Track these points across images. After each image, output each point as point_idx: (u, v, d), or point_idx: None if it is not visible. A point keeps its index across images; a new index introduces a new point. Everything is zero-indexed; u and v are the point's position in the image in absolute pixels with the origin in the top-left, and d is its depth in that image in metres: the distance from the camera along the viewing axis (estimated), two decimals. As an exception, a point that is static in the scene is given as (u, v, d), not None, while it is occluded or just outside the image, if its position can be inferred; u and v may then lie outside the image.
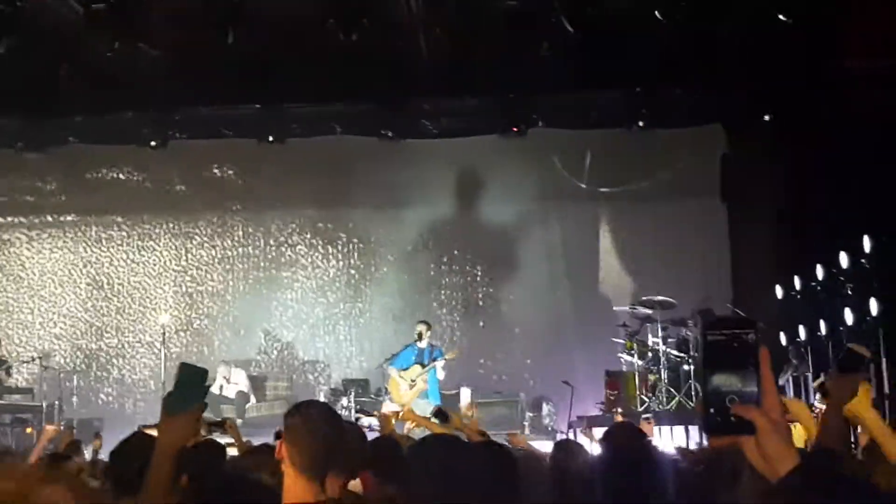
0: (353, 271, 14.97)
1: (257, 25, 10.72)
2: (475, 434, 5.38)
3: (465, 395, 12.56)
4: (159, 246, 15.13)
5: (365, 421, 9.60)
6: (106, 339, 14.83)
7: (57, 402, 12.66)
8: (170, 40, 11.33)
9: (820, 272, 11.54)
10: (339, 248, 15.04)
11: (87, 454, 8.16)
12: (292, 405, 3.29)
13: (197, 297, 14.98)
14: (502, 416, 12.32)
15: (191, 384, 2.52)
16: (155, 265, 15.07)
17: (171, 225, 15.16)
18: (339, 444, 3.11)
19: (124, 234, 15.14)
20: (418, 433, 7.79)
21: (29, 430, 8.41)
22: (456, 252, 14.81)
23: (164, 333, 13.34)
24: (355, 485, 4.49)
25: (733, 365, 1.66)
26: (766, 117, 12.79)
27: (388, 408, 10.95)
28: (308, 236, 15.06)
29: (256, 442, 9.04)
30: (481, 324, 14.47)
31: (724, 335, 1.67)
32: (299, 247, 15.05)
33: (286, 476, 3.02)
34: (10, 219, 15.14)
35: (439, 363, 12.02)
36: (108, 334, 14.85)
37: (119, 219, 15.16)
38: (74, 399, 12.86)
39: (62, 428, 9.56)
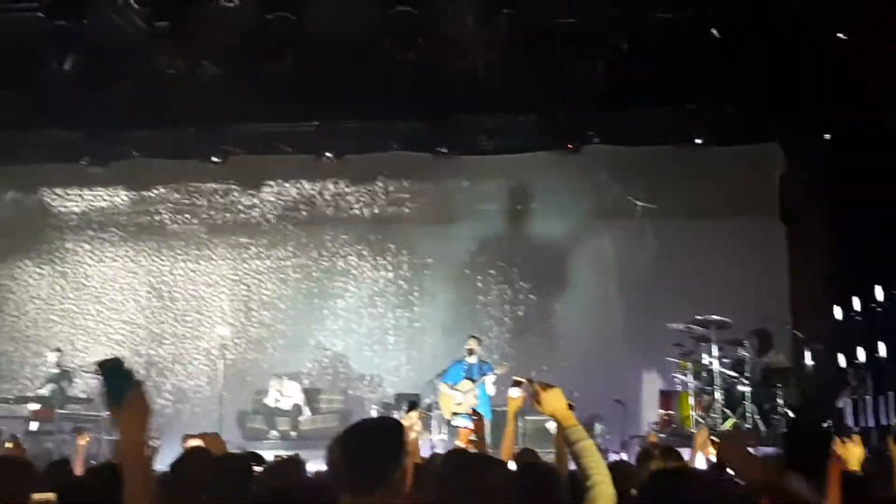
0: (401, 282, 15.08)
1: (316, 44, 10.86)
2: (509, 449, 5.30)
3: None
4: (216, 256, 15.44)
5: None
6: (164, 346, 15.14)
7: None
8: (230, 58, 11.54)
9: (879, 293, 11.34)
10: (389, 259, 15.17)
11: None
12: (347, 425, 3.27)
13: (251, 306, 15.24)
14: (553, 433, 12.21)
15: (116, 375, 2.58)
16: (212, 274, 15.37)
17: (227, 236, 15.46)
18: (378, 465, 3.08)
19: (183, 244, 15.48)
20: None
21: (87, 439, 8.59)
22: (507, 267, 14.82)
23: (222, 345, 13.59)
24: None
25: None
26: (826, 136, 12.61)
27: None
28: (359, 247, 15.22)
29: (311, 457, 9.17)
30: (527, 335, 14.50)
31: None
32: (350, 258, 15.21)
33: None
34: (75, 229, 15.57)
35: (489, 378, 12.03)
36: (166, 341, 15.17)
37: (178, 229, 15.50)
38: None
39: (91, 436, 9.70)
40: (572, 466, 3.58)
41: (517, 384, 5.06)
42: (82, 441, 8.02)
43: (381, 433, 3.11)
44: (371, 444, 3.03)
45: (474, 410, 7.86)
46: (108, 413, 2.62)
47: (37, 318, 15.34)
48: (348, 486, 2.96)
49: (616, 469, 5.67)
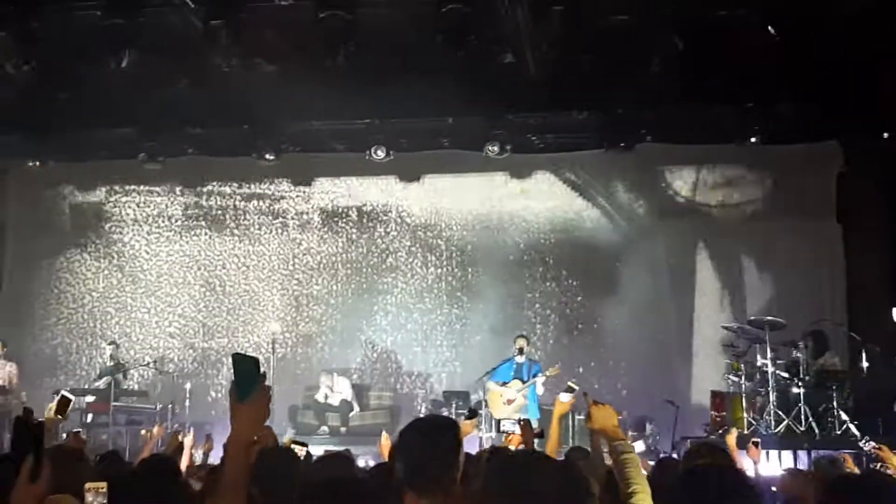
0: (450, 279, 15.11)
1: (368, 41, 10.89)
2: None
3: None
4: (268, 251, 15.60)
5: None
6: (217, 339, 15.34)
7: (170, 405, 13.15)
8: (284, 56, 11.62)
9: (939, 296, 11.09)
10: (438, 256, 15.21)
11: (199, 457, 8.45)
12: (398, 422, 3.31)
13: (302, 301, 15.39)
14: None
15: (248, 371, 2.61)
16: (264, 269, 15.54)
17: (279, 232, 15.62)
18: (437, 464, 3.08)
19: (236, 239, 15.68)
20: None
21: (144, 431, 8.76)
22: (556, 265, 14.76)
23: (273, 340, 13.74)
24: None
25: None
26: (885, 135, 12.33)
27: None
28: (409, 244, 15.28)
29: (360, 452, 9.25)
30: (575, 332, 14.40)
31: None
32: (399, 254, 15.28)
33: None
34: (131, 224, 15.85)
35: (539, 379, 11.99)
36: (219, 335, 15.37)
37: (231, 225, 15.70)
38: (187, 402, 13.25)
39: (168, 430, 9.89)
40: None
41: (570, 390, 5.08)
42: (155, 431, 8.18)
43: (439, 433, 3.13)
44: (429, 443, 3.06)
45: (522, 419, 7.88)
46: (231, 403, 2.61)
47: (94, 311, 15.65)
48: (409, 483, 2.99)
49: (662, 464, 5.63)
